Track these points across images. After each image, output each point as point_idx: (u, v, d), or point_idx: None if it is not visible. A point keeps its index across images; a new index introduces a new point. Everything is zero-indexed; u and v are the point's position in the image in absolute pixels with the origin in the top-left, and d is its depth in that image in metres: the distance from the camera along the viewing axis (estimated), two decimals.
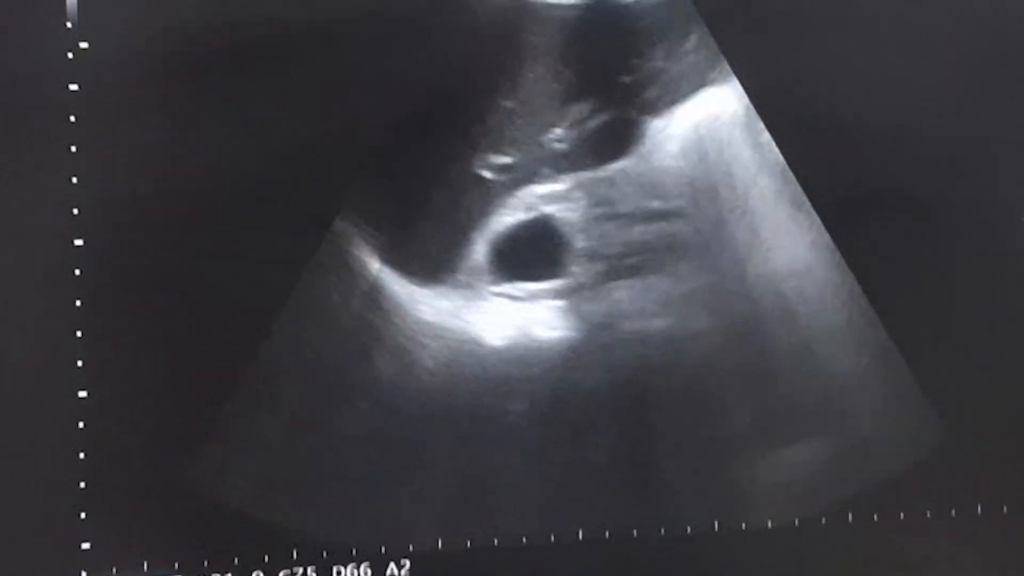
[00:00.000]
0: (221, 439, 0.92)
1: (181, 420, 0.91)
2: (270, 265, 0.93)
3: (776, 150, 0.97)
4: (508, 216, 0.97)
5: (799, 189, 0.97)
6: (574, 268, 0.97)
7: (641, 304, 0.97)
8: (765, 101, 0.97)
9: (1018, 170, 1.01)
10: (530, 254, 0.97)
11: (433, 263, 0.96)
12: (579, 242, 0.97)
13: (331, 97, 0.93)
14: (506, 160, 0.96)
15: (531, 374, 0.96)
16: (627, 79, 0.97)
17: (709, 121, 0.98)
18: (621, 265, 0.97)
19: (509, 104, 0.96)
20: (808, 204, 0.97)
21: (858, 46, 0.97)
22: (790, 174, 0.97)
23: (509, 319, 0.96)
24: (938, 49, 0.99)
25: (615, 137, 0.98)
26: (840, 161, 0.98)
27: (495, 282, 0.97)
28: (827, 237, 0.97)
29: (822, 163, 0.97)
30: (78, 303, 0.90)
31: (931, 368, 1.00)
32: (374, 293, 0.95)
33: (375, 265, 0.95)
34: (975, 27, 0.99)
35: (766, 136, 0.97)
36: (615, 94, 0.97)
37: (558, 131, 0.97)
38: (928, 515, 1.02)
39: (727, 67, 0.96)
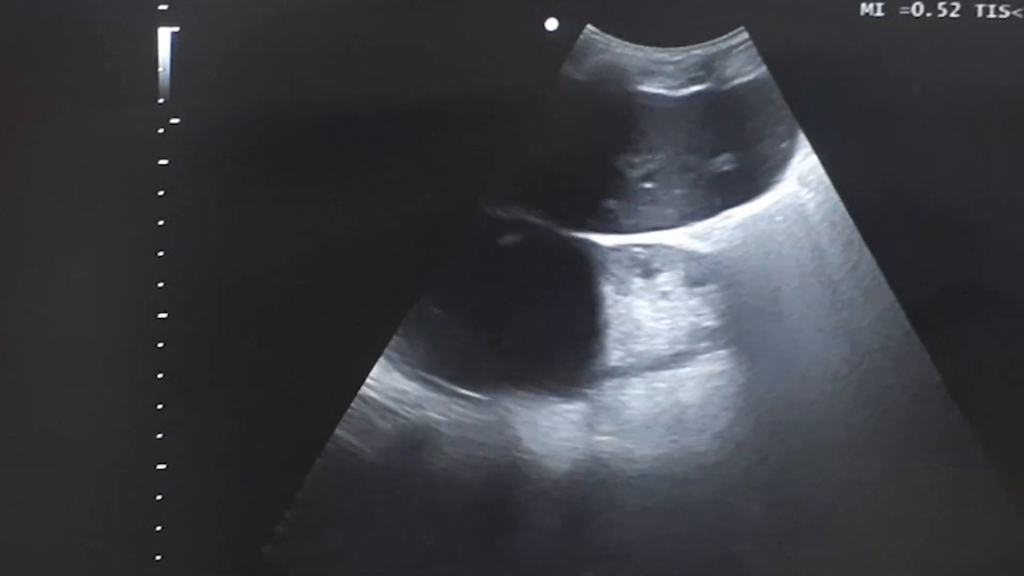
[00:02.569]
0: (296, 514, 0.92)
1: (257, 495, 0.92)
2: (351, 343, 0.93)
3: (861, 243, 0.95)
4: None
5: (883, 281, 0.95)
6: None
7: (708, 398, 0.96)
8: (852, 193, 0.95)
9: None
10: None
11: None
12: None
13: (420, 179, 0.93)
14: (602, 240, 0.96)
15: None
16: (716, 165, 0.97)
17: (787, 211, 0.97)
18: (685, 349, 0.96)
19: (606, 188, 0.96)
20: (892, 297, 0.95)
21: (947, 139, 0.96)
22: (875, 267, 0.95)
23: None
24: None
25: (695, 217, 0.97)
26: (927, 256, 0.96)
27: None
28: (912, 333, 0.95)
29: (908, 256, 0.96)
30: (160, 375, 0.91)
31: (1014, 465, 0.97)
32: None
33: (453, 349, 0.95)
34: None
35: (850, 229, 0.96)
36: (703, 178, 0.97)
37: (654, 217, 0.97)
38: None
39: (810, 158, 0.96)
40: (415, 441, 0.94)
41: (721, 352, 0.96)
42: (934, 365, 0.95)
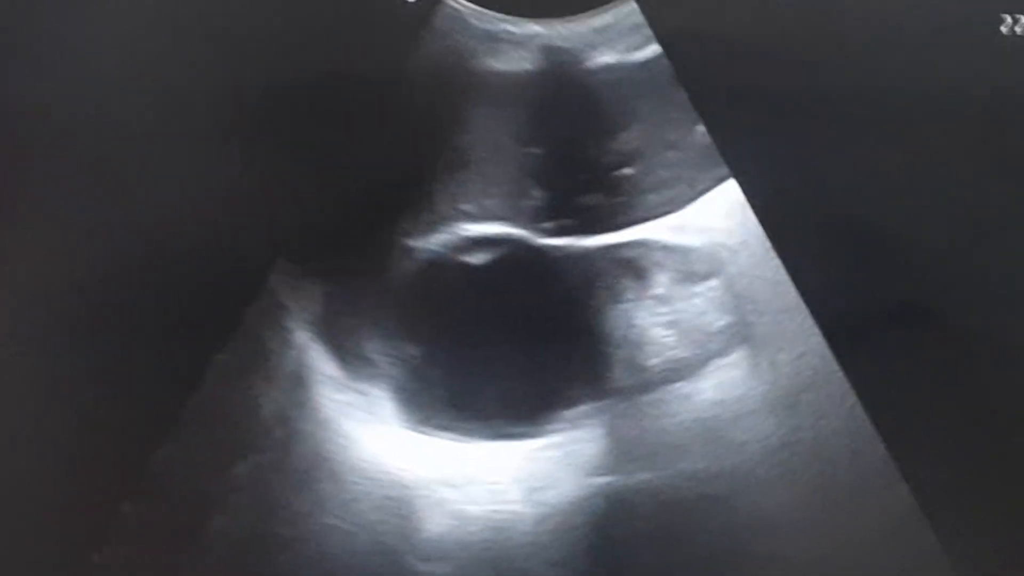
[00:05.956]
0: (126, 524, 0.81)
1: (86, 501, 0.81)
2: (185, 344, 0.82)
3: (776, 259, 0.84)
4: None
5: (800, 301, 0.84)
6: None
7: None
8: (765, 205, 0.84)
9: None
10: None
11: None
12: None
13: (271, 167, 0.82)
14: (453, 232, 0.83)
15: None
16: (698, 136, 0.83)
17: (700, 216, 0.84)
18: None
19: (579, 182, 0.82)
20: (809, 318, 0.84)
21: (863, 147, 0.84)
22: (791, 285, 0.84)
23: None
24: (950, 153, 0.85)
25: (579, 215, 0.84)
26: (844, 271, 0.85)
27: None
28: (829, 354, 0.84)
29: (826, 273, 0.85)
30: None
31: (936, 494, 0.90)
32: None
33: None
34: (992, 131, 0.85)
35: (765, 241, 0.83)
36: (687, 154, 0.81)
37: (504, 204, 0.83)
38: None
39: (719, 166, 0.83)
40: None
41: (737, 353, 0.83)
42: (852, 387, 0.85)
